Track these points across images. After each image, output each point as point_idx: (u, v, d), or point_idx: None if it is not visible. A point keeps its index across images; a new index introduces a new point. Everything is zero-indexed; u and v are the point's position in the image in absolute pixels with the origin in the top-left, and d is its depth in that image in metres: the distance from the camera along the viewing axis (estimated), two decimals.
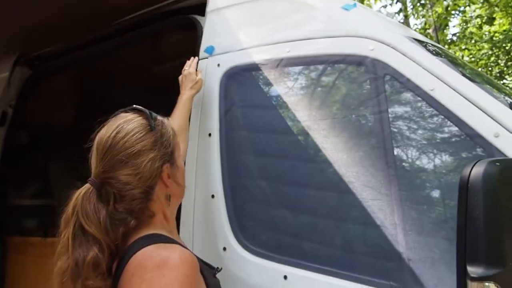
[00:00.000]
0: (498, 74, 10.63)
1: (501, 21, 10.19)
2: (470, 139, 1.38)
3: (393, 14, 9.78)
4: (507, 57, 10.53)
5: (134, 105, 1.32)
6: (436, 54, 1.69)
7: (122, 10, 2.53)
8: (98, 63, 3.08)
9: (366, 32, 1.66)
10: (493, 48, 10.30)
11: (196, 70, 1.96)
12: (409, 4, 9.80)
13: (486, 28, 10.64)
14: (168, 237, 1.23)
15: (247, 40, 1.92)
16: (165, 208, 1.29)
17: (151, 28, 2.47)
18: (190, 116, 1.91)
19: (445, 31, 9.85)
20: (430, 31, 10.12)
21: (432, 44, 1.96)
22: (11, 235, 3.06)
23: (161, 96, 2.12)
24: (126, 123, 1.25)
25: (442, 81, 1.47)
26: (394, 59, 1.56)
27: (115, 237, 1.18)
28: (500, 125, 1.35)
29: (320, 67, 1.75)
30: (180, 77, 1.95)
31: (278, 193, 1.70)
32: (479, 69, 10.02)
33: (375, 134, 1.54)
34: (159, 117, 1.33)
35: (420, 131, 1.51)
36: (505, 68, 10.69)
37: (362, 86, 1.64)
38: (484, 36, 10.50)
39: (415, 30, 10.11)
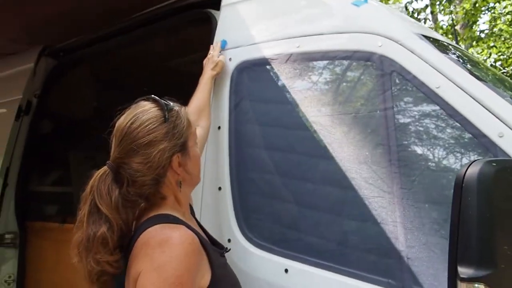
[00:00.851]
0: None
1: None
2: (474, 138, 1.37)
3: (419, 10, 9.56)
4: None
5: (153, 95, 1.37)
6: (447, 52, 1.67)
7: (141, 4, 2.58)
8: (118, 55, 3.15)
9: (375, 29, 1.66)
10: None
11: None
12: (436, 0, 9.59)
13: None
14: (177, 217, 1.30)
15: (258, 34, 1.94)
16: (176, 192, 1.36)
17: (170, 21, 2.51)
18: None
19: (473, 27, 9.59)
20: (458, 27, 9.87)
21: (445, 42, 1.93)
22: (32, 220, 3.17)
23: (178, 87, 2.16)
24: (142, 113, 1.32)
25: (448, 79, 1.45)
26: (402, 56, 1.56)
27: (126, 217, 1.29)
28: (505, 125, 1.33)
29: (329, 63, 1.76)
30: (204, 60, 2.02)
31: (283, 187, 1.71)
32: (510, 67, 9.74)
33: (380, 130, 1.54)
34: (176, 107, 1.36)
35: (424, 129, 1.50)
36: None
37: (369, 82, 1.64)
38: None
39: (442, 26, 9.91)
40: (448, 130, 1.45)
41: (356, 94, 1.68)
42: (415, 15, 9.58)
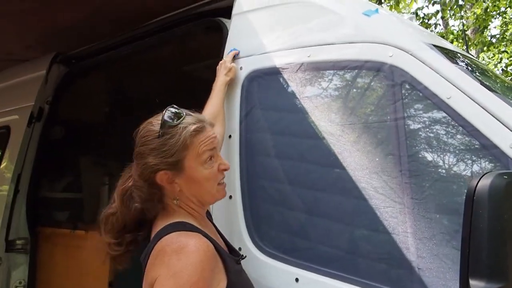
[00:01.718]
0: None
1: None
2: (486, 149, 1.36)
3: (430, 16, 9.52)
4: None
5: (173, 106, 1.40)
6: (458, 62, 1.67)
7: (152, 12, 2.62)
8: (130, 62, 3.18)
9: (386, 39, 1.66)
10: None
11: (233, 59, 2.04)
12: (447, 5, 9.54)
13: None
14: (193, 225, 1.35)
15: (269, 44, 1.95)
16: (188, 202, 1.40)
17: (180, 29, 2.53)
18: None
19: (484, 32, 9.53)
20: (469, 32, 9.83)
21: (455, 52, 1.93)
22: (43, 226, 3.20)
23: (189, 94, 2.18)
24: (148, 124, 1.40)
25: (459, 89, 1.45)
26: (412, 66, 1.56)
27: (127, 210, 1.41)
28: None
29: (340, 72, 1.76)
30: (218, 66, 2.04)
31: (293, 196, 1.72)
32: None
33: (390, 140, 1.54)
34: (182, 125, 1.36)
35: (435, 140, 1.49)
36: None
37: (380, 92, 1.64)
38: None
39: (452, 31, 9.86)
40: (459, 141, 1.45)
41: (366, 104, 1.68)
42: (426, 20, 9.55)
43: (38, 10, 2.58)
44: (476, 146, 1.39)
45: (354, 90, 1.73)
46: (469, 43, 9.02)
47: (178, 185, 1.37)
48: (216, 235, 1.50)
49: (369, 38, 1.71)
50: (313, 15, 1.90)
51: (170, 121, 1.35)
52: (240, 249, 1.73)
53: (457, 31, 10.14)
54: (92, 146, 3.59)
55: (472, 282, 0.99)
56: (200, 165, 1.37)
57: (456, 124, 1.44)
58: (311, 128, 1.76)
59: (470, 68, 1.66)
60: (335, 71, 1.77)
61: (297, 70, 1.84)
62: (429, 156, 1.49)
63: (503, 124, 1.36)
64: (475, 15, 9.16)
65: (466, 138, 1.42)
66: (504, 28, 10.08)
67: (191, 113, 1.42)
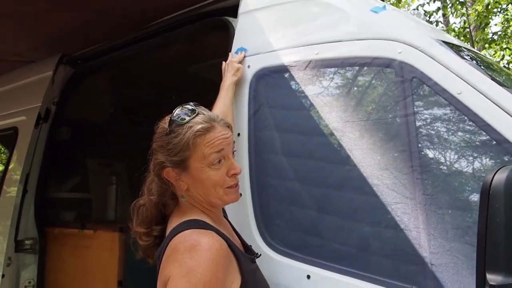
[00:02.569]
0: None
1: None
2: (497, 144, 1.37)
3: (431, 13, 9.53)
4: None
5: (184, 104, 1.41)
6: (466, 57, 1.67)
7: (158, 13, 2.62)
8: (135, 63, 3.19)
9: (394, 35, 1.66)
10: None
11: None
12: (448, 3, 9.54)
13: None
14: (207, 223, 1.35)
15: (276, 42, 1.96)
16: (198, 201, 1.40)
17: (186, 29, 2.54)
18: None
19: (485, 29, 9.52)
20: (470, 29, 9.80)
21: (463, 47, 1.93)
22: (51, 226, 3.21)
23: (195, 93, 2.19)
24: (162, 121, 1.43)
25: (469, 84, 1.45)
26: (422, 62, 1.56)
27: (152, 203, 1.44)
28: None
29: (348, 69, 1.77)
30: (223, 65, 2.02)
31: (304, 193, 1.72)
32: None
33: (401, 137, 1.54)
34: (189, 124, 1.35)
35: (446, 135, 1.50)
36: None
37: (390, 89, 1.65)
38: None
39: (454, 29, 9.85)
40: (470, 136, 1.45)
41: (376, 100, 1.68)
42: (427, 17, 9.54)
43: (47, 11, 2.59)
44: (487, 141, 1.40)
45: (363, 87, 1.73)
46: (473, 38, 9.01)
47: (185, 183, 1.37)
48: (231, 233, 1.50)
49: (377, 35, 1.71)
50: (321, 13, 1.90)
51: (177, 119, 1.36)
52: (250, 247, 1.74)
53: (459, 28, 10.13)
54: (99, 146, 3.60)
55: (489, 276, 0.99)
56: (206, 167, 1.35)
57: (467, 119, 1.44)
58: (320, 126, 1.76)
59: (479, 63, 1.66)
60: (344, 68, 1.77)
61: (305, 68, 1.84)
62: (440, 152, 1.49)
63: None
64: (477, 12, 9.14)
65: (478, 133, 1.42)
66: (506, 25, 10.05)
67: (204, 112, 1.40)
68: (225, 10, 2.30)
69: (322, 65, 1.81)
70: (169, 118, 1.38)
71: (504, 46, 10.14)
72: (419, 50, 1.59)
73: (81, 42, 3.08)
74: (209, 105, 1.89)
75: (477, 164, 1.44)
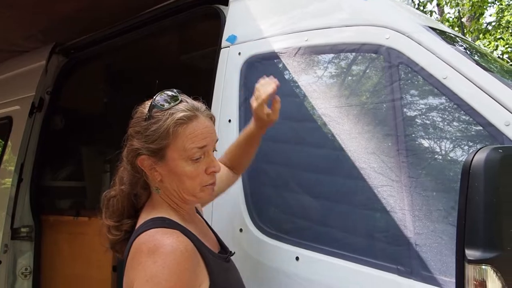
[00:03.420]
0: None
1: None
2: (481, 127, 1.40)
3: (424, 3, 9.52)
4: None
5: (165, 90, 1.31)
6: (453, 43, 1.70)
7: (151, 1, 2.63)
8: (128, 52, 3.20)
9: (382, 21, 1.68)
10: None
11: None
12: None
13: None
14: (174, 222, 1.26)
15: (266, 29, 1.97)
16: (170, 195, 1.31)
17: (178, 17, 2.55)
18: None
19: (480, 20, 9.53)
20: (464, 20, 9.82)
21: (452, 34, 1.96)
22: (46, 214, 3.24)
23: (187, 81, 2.20)
24: (141, 106, 1.33)
25: (455, 69, 1.48)
26: (409, 48, 1.58)
27: (124, 194, 1.36)
28: None
29: (337, 56, 1.79)
30: (251, 100, 1.60)
31: (293, 177, 1.75)
32: None
33: (388, 121, 1.57)
34: (171, 111, 1.24)
35: (432, 119, 1.53)
36: None
37: (377, 74, 1.67)
38: None
39: (448, 19, 9.85)
40: (455, 120, 1.48)
41: (364, 86, 1.71)
42: (421, 8, 9.55)
43: (41, 0, 2.59)
44: (472, 124, 1.43)
45: (352, 72, 1.76)
46: (465, 31, 9.03)
47: (159, 174, 1.28)
48: (204, 232, 1.42)
49: (366, 21, 1.73)
50: (311, 0, 1.92)
51: (159, 105, 1.26)
52: (241, 230, 1.77)
53: (453, 19, 10.13)
54: (92, 135, 3.62)
55: (468, 252, 1.01)
56: (183, 160, 1.25)
57: (452, 104, 1.47)
58: (309, 111, 1.79)
59: (466, 50, 1.69)
60: (333, 54, 1.80)
61: (295, 54, 1.86)
62: (425, 135, 1.52)
63: (498, 103, 1.39)
64: (471, 2, 9.15)
65: (462, 117, 1.45)
66: (500, 15, 10.07)
67: (188, 100, 1.30)
68: None
69: (311, 52, 1.83)
70: (149, 103, 1.28)
71: (498, 36, 10.16)
72: (406, 36, 1.61)
73: (75, 31, 3.08)
74: (202, 95, 1.92)
75: (461, 147, 1.47)
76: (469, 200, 1.05)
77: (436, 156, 1.50)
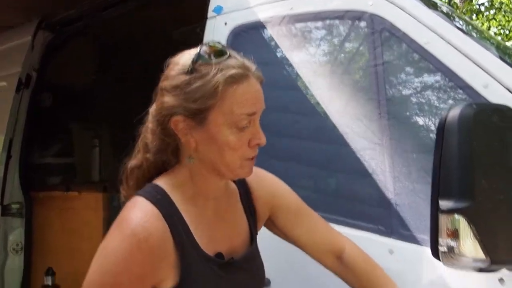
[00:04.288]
0: None
1: None
2: (460, 89, 1.42)
3: None
4: None
5: (212, 41, 1.11)
6: (436, 8, 1.71)
7: None
8: (116, 26, 3.18)
9: None
10: None
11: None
12: None
13: None
14: (167, 199, 1.06)
15: None
16: (201, 166, 1.09)
17: None
18: None
19: (473, 1, 9.53)
20: (457, 1, 9.81)
21: (437, 3, 1.97)
22: (36, 190, 3.26)
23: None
24: (181, 56, 1.09)
25: (436, 34, 1.50)
26: (392, 14, 1.60)
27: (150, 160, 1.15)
28: (490, 76, 1.38)
29: (322, 23, 1.80)
30: None
31: (279, 144, 1.78)
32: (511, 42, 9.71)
33: (370, 86, 1.59)
34: (219, 66, 1.02)
35: (413, 84, 1.55)
36: None
37: (361, 40, 1.69)
38: None
39: None
40: (436, 83, 1.50)
41: (348, 52, 1.73)
42: None
43: None
44: (451, 87, 1.45)
45: (336, 40, 1.77)
46: (458, 12, 9.02)
47: (194, 141, 1.05)
48: (216, 224, 1.15)
49: None
50: None
51: (207, 56, 1.03)
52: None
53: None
54: (81, 111, 3.62)
55: (441, 203, 1.05)
56: (227, 127, 1.03)
57: (432, 67, 1.49)
58: (293, 79, 1.81)
59: (448, 16, 1.70)
60: (317, 22, 1.81)
61: (280, 23, 1.87)
62: (407, 99, 1.55)
63: (477, 65, 1.41)
64: None
65: (442, 81, 1.48)
66: None
67: (237, 56, 1.07)
68: None
69: (296, 20, 1.84)
70: (189, 53, 1.06)
71: (491, 17, 10.18)
72: (389, 2, 1.63)
73: (60, 6, 3.05)
74: None
75: (440, 110, 1.50)
76: (444, 153, 1.08)
77: (416, 118, 1.53)
